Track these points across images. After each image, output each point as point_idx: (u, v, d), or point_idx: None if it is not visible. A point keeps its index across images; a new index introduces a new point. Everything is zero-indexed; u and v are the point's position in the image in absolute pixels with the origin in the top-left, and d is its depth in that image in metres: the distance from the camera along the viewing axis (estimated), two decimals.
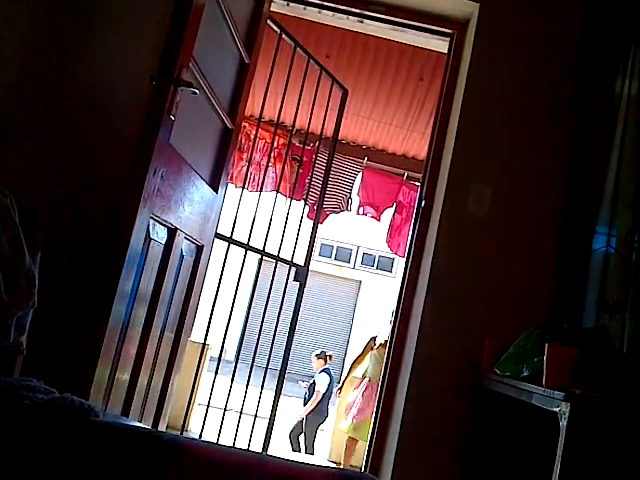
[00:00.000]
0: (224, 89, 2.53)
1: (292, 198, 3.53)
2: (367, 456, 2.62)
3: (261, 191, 3.46)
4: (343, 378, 4.93)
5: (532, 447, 2.25)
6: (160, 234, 2.09)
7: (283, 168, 4.24)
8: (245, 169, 4.28)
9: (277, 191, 3.36)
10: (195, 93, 1.99)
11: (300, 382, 7.17)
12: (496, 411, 2.31)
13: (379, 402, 2.64)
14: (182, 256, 2.35)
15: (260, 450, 3.31)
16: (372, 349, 4.69)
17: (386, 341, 4.60)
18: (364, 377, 4.65)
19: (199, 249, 2.55)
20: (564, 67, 2.62)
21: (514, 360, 2.11)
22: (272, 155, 5.04)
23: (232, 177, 4.73)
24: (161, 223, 2.07)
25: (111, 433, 1.00)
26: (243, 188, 3.31)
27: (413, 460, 2.38)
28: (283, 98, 3.15)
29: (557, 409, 1.72)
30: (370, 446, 2.61)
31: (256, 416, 3.32)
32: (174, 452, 1.00)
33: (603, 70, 2.52)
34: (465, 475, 2.33)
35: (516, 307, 2.45)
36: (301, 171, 4.88)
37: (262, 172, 4.89)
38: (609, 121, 2.47)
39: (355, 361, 4.81)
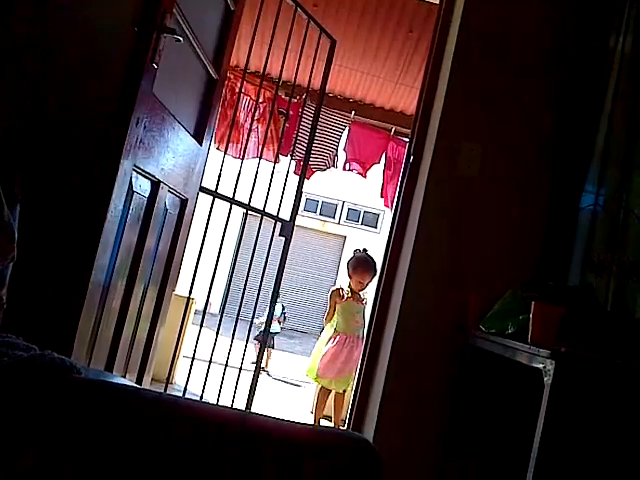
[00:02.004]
0: (209, 38, 2.45)
1: (279, 153, 3.48)
2: (350, 412, 2.64)
3: (243, 158, 3.39)
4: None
5: (516, 404, 2.27)
6: (143, 186, 2.04)
7: (267, 129, 4.16)
8: (229, 131, 4.19)
9: (260, 157, 3.29)
10: (179, 40, 1.92)
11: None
12: (481, 368, 2.33)
13: (363, 359, 2.64)
14: (166, 209, 2.31)
15: (245, 401, 3.34)
16: (338, 303, 4.65)
17: (354, 292, 4.62)
18: (336, 331, 4.63)
19: (183, 202, 2.51)
20: (558, 21, 2.56)
21: (500, 317, 2.11)
22: (257, 113, 4.94)
23: (215, 139, 4.65)
24: (144, 175, 2.02)
25: (94, 391, 0.99)
26: (225, 154, 3.25)
27: (397, 417, 2.40)
28: (269, 48, 3.07)
29: (542, 366, 1.73)
30: (354, 402, 2.63)
31: (241, 368, 3.34)
32: (158, 410, 0.98)
33: (597, 24, 2.46)
34: (449, 432, 2.36)
35: (503, 265, 2.44)
36: (287, 125, 4.80)
37: (245, 136, 4.80)
38: (602, 76, 2.43)
39: (325, 320, 4.78)
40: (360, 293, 4.65)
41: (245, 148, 3.56)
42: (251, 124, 4.38)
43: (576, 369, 1.71)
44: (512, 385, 2.30)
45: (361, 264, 4.61)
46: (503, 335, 2.03)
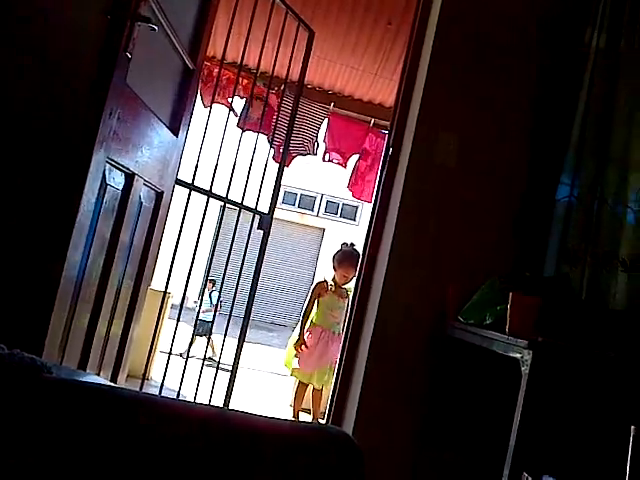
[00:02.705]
0: (185, 27, 2.42)
1: (260, 131, 3.43)
2: (330, 405, 2.64)
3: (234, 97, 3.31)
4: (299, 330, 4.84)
5: (494, 394, 2.28)
6: (117, 179, 2.01)
7: (250, 99, 4.11)
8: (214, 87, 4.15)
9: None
10: (154, 29, 1.89)
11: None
12: (459, 358, 2.33)
13: (342, 351, 2.64)
14: (141, 202, 2.28)
15: (223, 397, 3.32)
16: (321, 296, 4.64)
17: (338, 286, 4.62)
18: (314, 325, 4.62)
19: (159, 195, 2.47)
20: (537, 14, 2.56)
21: (478, 308, 2.12)
22: (237, 92, 4.91)
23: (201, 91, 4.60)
24: (118, 168, 1.99)
25: (66, 391, 0.96)
26: (212, 100, 3.20)
27: (376, 409, 2.40)
28: (247, 39, 3.03)
29: (519, 356, 1.74)
30: (333, 395, 2.63)
31: (219, 363, 3.32)
32: (134, 409, 0.96)
33: (575, 18, 2.47)
34: (427, 423, 2.36)
35: (481, 256, 2.45)
36: (266, 112, 4.76)
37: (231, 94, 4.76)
38: (577, 70, 2.44)
39: (305, 313, 4.75)
40: (344, 289, 4.64)
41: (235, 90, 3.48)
42: (234, 89, 4.32)
43: (553, 358, 1.72)
44: (490, 375, 2.30)
45: (347, 258, 4.60)
46: (481, 326, 2.04)
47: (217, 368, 3.30)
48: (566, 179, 2.40)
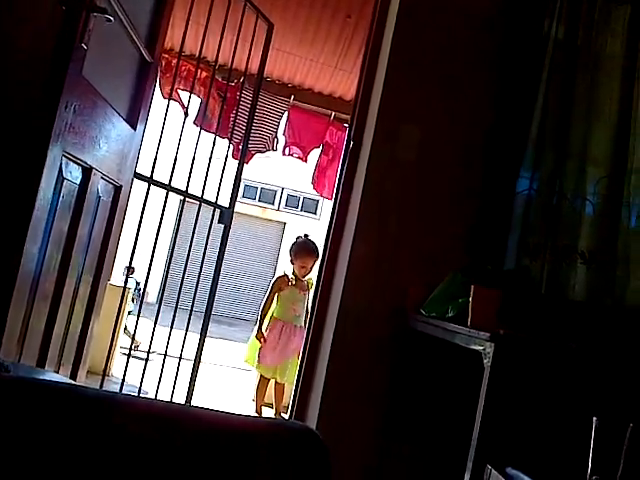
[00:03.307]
0: (142, 19, 2.37)
1: (217, 134, 3.40)
2: (293, 399, 2.63)
3: (186, 115, 3.29)
4: (259, 322, 4.81)
5: (456, 387, 2.30)
6: (74, 173, 1.96)
7: (208, 96, 4.06)
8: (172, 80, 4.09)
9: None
10: (110, 20, 1.84)
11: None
12: (421, 351, 2.35)
13: (305, 345, 2.63)
14: (99, 197, 2.23)
15: (185, 392, 3.29)
16: (282, 290, 4.63)
17: (298, 279, 4.61)
18: (275, 319, 4.61)
19: (117, 190, 2.42)
20: (495, 4, 2.58)
21: (440, 301, 2.13)
22: (195, 86, 4.84)
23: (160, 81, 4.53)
24: (75, 162, 1.94)
25: (23, 390, 0.93)
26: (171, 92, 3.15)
27: (339, 403, 2.40)
28: (205, 31, 2.99)
29: (481, 349, 1.76)
30: (296, 389, 2.62)
31: (181, 358, 3.28)
32: (94, 408, 0.94)
33: (533, 10, 2.49)
34: (389, 416, 2.37)
35: (443, 249, 2.46)
36: (225, 107, 4.71)
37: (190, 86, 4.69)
38: (536, 63, 2.46)
39: (264, 308, 4.72)
40: (305, 282, 4.64)
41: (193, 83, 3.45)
42: (192, 85, 4.27)
43: (514, 350, 1.74)
44: (452, 368, 2.33)
45: (302, 248, 4.61)
46: (443, 319, 2.05)
47: (179, 362, 3.26)
48: (525, 173, 2.43)
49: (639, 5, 2.46)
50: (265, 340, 4.55)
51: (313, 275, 4.63)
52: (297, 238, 4.78)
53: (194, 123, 4.90)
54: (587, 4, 2.47)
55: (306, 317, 4.56)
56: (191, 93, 4.27)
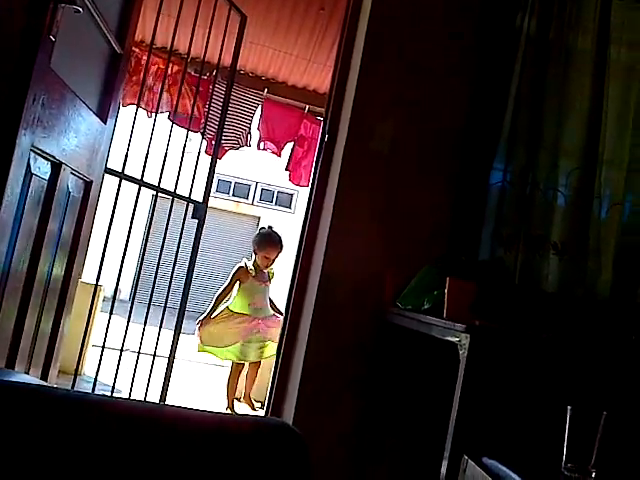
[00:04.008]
0: (111, 10, 2.32)
1: (189, 129, 3.37)
2: (269, 394, 2.62)
3: (157, 113, 3.26)
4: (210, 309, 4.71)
5: (434, 379, 2.31)
6: (43, 168, 1.92)
7: (179, 93, 4.01)
8: (138, 91, 4.03)
9: (174, 115, 3.18)
10: (78, 11, 1.80)
11: None
12: (398, 344, 2.36)
13: (281, 339, 2.62)
14: (69, 192, 2.19)
15: (160, 390, 3.26)
16: (242, 282, 4.55)
17: (259, 270, 4.55)
18: (229, 312, 4.54)
19: (87, 185, 2.38)
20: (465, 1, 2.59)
21: (415, 293, 2.14)
22: (166, 82, 4.78)
23: (123, 97, 4.45)
24: (44, 156, 1.90)
25: None
26: (137, 107, 3.10)
27: (316, 397, 2.40)
28: (177, 22, 2.95)
29: (457, 340, 1.76)
30: (273, 382, 2.61)
31: (155, 355, 3.24)
32: (66, 409, 0.92)
33: (506, 3, 2.50)
34: (368, 408, 2.38)
35: (419, 242, 2.47)
36: (198, 101, 4.67)
37: (156, 95, 4.62)
38: (509, 56, 2.48)
39: (220, 296, 4.63)
40: (266, 272, 4.57)
41: (159, 102, 3.41)
42: (162, 85, 4.22)
43: (490, 342, 1.75)
44: (429, 360, 2.34)
45: (267, 240, 4.54)
46: (419, 311, 2.06)
47: (153, 360, 3.23)
48: (499, 165, 2.45)
49: (609, 1, 2.49)
50: (202, 325, 4.47)
51: (278, 267, 4.61)
52: (261, 229, 4.73)
53: (168, 118, 4.84)
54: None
55: (272, 306, 4.55)
56: (162, 89, 4.23)
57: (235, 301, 4.51)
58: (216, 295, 4.62)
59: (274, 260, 4.53)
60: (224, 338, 4.45)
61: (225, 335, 4.45)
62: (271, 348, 4.39)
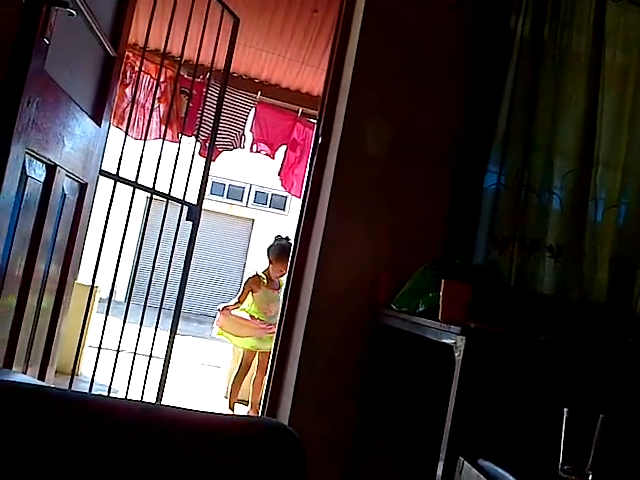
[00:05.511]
0: (105, 13, 2.32)
1: (182, 134, 3.37)
2: (265, 395, 2.62)
3: (146, 139, 3.25)
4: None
5: (429, 381, 2.32)
6: (38, 171, 1.92)
7: (170, 109, 4.01)
8: (128, 110, 4.02)
9: (163, 138, 3.18)
10: (72, 14, 1.80)
11: None
12: (393, 347, 2.36)
13: (277, 341, 2.62)
14: (64, 195, 2.19)
15: (156, 390, 3.25)
16: (255, 291, 4.63)
17: (270, 279, 4.60)
18: (252, 317, 4.61)
19: (82, 187, 2.38)
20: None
21: (410, 296, 2.14)
22: (158, 92, 4.77)
23: (114, 115, 4.45)
24: (39, 159, 1.90)
25: None
26: (126, 134, 3.11)
27: (311, 399, 2.40)
28: (170, 25, 2.95)
29: (452, 342, 1.77)
30: (268, 384, 2.61)
31: (151, 356, 3.24)
32: (63, 408, 0.92)
33: (499, 4, 2.51)
34: (364, 411, 2.38)
35: (412, 244, 2.47)
36: (191, 105, 4.66)
37: (147, 116, 4.61)
38: (503, 58, 2.48)
39: (234, 304, 4.73)
40: (277, 281, 4.64)
41: (148, 129, 3.41)
42: (152, 103, 4.22)
43: (485, 344, 1.75)
44: (424, 363, 2.34)
45: (286, 252, 4.57)
46: (414, 313, 2.06)
47: (149, 360, 3.22)
48: (493, 167, 2.45)
49: (604, 2, 2.50)
50: (224, 312, 4.63)
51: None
52: (276, 238, 4.74)
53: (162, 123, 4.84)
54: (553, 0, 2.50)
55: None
56: (154, 96, 4.22)
57: (254, 310, 4.59)
58: (231, 302, 4.74)
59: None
60: (243, 329, 4.61)
61: (244, 327, 4.61)
62: None
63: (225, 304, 4.82)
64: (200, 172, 3.34)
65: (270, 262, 4.65)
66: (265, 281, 4.60)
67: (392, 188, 2.51)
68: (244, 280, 4.84)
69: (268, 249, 4.72)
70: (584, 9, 2.50)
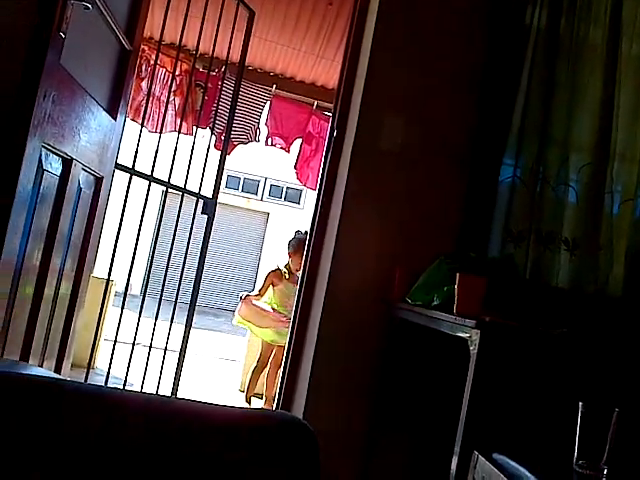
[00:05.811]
0: (120, 6, 2.33)
1: (197, 126, 3.37)
2: (280, 389, 2.63)
3: (161, 132, 3.26)
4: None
5: (444, 374, 2.31)
6: (54, 165, 1.93)
7: (185, 102, 4.01)
8: (144, 103, 4.04)
9: (178, 131, 3.19)
10: (88, 8, 1.81)
11: None
12: (408, 340, 2.35)
13: (291, 335, 2.63)
14: (80, 188, 2.20)
15: (171, 384, 3.27)
16: (275, 285, 4.67)
17: (291, 272, 4.62)
18: (274, 310, 4.66)
19: (98, 181, 2.39)
20: None
21: (425, 289, 2.13)
22: (174, 85, 4.78)
23: (130, 109, 4.47)
24: (55, 153, 1.91)
25: (6, 385, 0.91)
26: (142, 126, 3.12)
27: (326, 393, 2.40)
28: (185, 19, 2.95)
29: (467, 336, 1.76)
30: (283, 377, 2.62)
31: (166, 349, 3.26)
32: (79, 401, 0.93)
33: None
34: (379, 404, 2.38)
35: (427, 238, 2.46)
36: (206, 98, 4.67)
37: (162, 109, 4.62)
38: (518, 52, 2.46)
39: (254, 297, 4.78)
40: (297, 275, 4.66)
41: (163, 121, 3.42)
42: (168, 96, 4.23)
43: (500, 337, 1.75)
44: (439, 356, 2.33)
45: (304, 246, 4.60)
46: (429, 307, 2.05)
47: (164, 354, 3.24)
48: (509, 160, 2.44)
49: None
50: (245, 301, 4.69)
51: None
52: (297, 233, 4.77)
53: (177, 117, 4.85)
54: None
55: None
56: (170, 89, 4.23)
57: (272, 300, 4.63)
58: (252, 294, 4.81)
59: None
60: (263, 320, 4.67)
61: (265, 318, 4.67)
62: None
63: (247, 293, 4.88)
64: (215, 166, 3.35)
65: (289, 255, 4.68)
66: (287, 275, 4.63)
67: (407, 181, 2.50)
68: (259, 273, 4.89)
69: (288, 243, 4.74)
70: (601, 1, 2.47)
